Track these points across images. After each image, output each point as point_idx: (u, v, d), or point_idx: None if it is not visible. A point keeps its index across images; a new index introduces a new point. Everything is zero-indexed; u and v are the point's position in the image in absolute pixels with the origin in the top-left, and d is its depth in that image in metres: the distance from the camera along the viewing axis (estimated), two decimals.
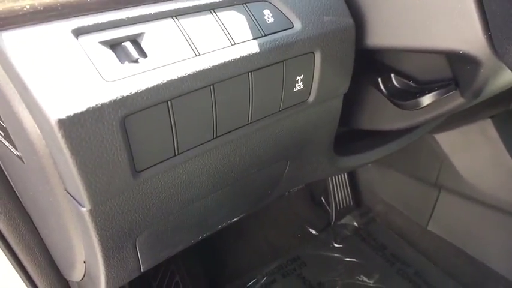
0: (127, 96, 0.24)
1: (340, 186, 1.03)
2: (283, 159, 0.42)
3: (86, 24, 0.25)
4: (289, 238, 1.02)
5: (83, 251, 0.36)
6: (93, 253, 0.33)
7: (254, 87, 0.31)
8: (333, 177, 1.02)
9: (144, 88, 0.25)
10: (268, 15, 0.31)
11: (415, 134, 0.52)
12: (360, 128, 0.46)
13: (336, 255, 0.98)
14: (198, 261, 0.91)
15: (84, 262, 0.38)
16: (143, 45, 0.27)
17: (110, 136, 0.24)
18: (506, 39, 0.27)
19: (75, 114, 0.23)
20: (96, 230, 0.29)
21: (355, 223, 1.03)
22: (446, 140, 0.80)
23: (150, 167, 0.28)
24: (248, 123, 0.33)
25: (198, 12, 0.29)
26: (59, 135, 0.23)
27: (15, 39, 0.24)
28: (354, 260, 0.96)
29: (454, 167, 0.80)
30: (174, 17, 0.28)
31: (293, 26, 0.32)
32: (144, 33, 0.27)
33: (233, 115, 0.31)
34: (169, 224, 0.36)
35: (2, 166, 0.40)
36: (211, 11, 0.30)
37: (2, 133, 0.32)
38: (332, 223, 1.04)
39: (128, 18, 0.27)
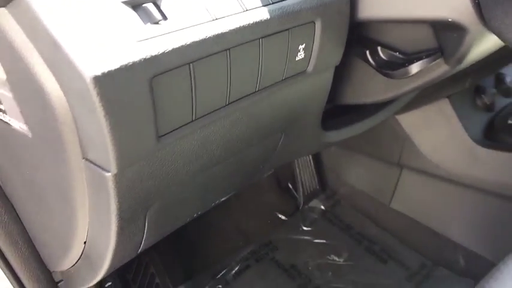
0: (155, 56, 0.24)
1: (306, 172, 1.06)
2: (279, 132, 0.43)
3: None
4: (259, 225, 1.04)
5: (86, 229, 0.35)
6: (104, 227, 0.32)
7: (264, 54, 0.32)
8: (299, 163, 1.05)
9: (170, 49, 0.25)
10: None
11: (396, 106, 0.55)
12: (345, 103, 0.49)
13: (305, 237, 1.01)
14: (172, 252, 0.90)
15: (85, 243, 0.37)
16: (162, 7, 0.26)
17: (140, 96, 0.24)
18: (493, 4, 0.31)
19: (109, 72, 0.22)
20: (117, 197, 0.28)
21: (322, 206, 1.07)
22: (407, 120, 0.85)
23: (171, 131, 0.28)
24: (255, 91, 0.33)
25: None
26: (94, 93, 0.22)
27: None
28: (324, 241, 1.00)
29: (415, 146, 0.86)
30: None
31: None
32: None
33: (244, 82, 0.32)
34: (177, 196, 0.36)
35: None
36: None
37: (1, 108, 0.30)
38: (300, 207, 1.07)
39: None
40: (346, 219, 1.05)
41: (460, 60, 0.37)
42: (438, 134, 0.82)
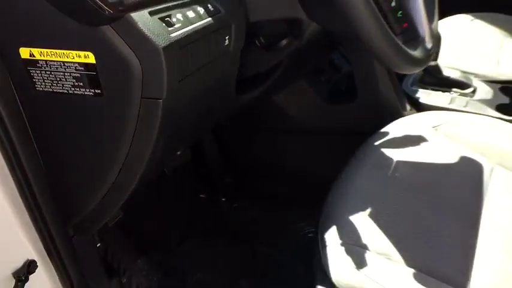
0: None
1: (214, 154, 1.36)
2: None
3: None
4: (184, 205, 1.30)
5: (125, 155, 0.59)
6: (146, 146, 0.57)
7: (211, 41, 0.62)
8: (208, 151, 1.35)
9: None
10: (211, 6, 0.62)
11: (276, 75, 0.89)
12: (245, 75, 0.81)
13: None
14: (125, 235, 1.10)
15: (120, 171, 0.60)
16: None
17: (177, 57, 0.52)
18: (310, 4, 0.66)
19: (165, 46, 0.50)
20: (161, 118, 0.54)
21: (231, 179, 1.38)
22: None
23: (180, 80, 0.56)
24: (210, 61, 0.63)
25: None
26: (162, 56, 0.49)
27: None
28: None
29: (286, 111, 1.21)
30: None
31: (221, 11, 0.64)
32: None
33: (203, 55, 0.61)
34: (181, 124, 0.63)
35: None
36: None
37: (77, 81, 0.54)
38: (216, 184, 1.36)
39: None
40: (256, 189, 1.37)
41: (302, 38, 0.73)
42: (301, 100, 1.20)
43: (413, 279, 0.63)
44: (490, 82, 1.18)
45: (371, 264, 0.65)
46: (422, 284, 0.62)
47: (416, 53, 0.63)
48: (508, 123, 0.98)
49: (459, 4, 1.52)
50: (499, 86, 1.17)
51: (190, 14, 0.58)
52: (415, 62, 0.63)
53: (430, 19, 0.68)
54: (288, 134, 1.25)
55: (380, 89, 1.11)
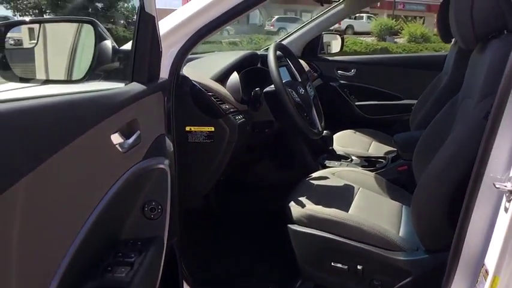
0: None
1: None
2: None
3: None
4: None
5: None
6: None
7: None
8: None
9: None
10: None
11: None
12: None
13: None
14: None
15: None
16: None
17: None
18: (277, 117, 1.80)
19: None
20: (230, 152, 1.61)
21: None
22: None
23: None
24: None
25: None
26: None
27: None
28: None
29: None
30: None
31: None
32: None
33: None
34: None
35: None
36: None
37: (205, 138, 1.60)
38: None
39: None
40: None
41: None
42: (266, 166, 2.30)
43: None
44: (359, 157, 2.38)
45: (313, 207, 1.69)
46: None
47: (315, 131, 1.80)
48: (367, 171, 2.14)
49: (347, 124, 2.82)
50: (364, 158, 2.37)
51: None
52: (314, 134, 1.79)
53: (320, 120, 1.87)
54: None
55: (307, 161, 2.26)
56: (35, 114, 0.62)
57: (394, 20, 18.98)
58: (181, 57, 1.29)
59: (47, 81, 1.09)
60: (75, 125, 0.72)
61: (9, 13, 19.82)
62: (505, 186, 0.95)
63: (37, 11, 19.76)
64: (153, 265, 0.95)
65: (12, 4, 19.83)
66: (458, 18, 1.27)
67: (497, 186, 0.96)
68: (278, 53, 1.79)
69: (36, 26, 1.23)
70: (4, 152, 0.56)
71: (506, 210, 0.96)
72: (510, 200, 0.94)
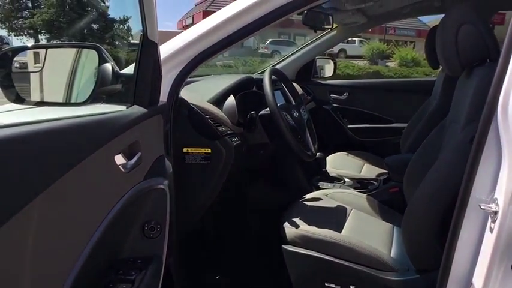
0: None
1: None
2: None
3: None
4: None
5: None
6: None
7: None
8: None
9: None
10: None
11: None
12: None
13: None
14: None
15: None
16: None
17: None
18: (272, 138, 1.85)
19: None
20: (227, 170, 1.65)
21: None
22: None
23: None
24: None
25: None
26: None
27: None
28: None
29: None
30: None
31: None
32: None
33: None
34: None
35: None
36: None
37: (202, 159, 1.64)
38: None
39: None
40: None
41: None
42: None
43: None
44: (351, 178, 2.43)
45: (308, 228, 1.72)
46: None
47: (309, 153, 1.85)
48: (359, 193, 2.18)
49: (340, 147, 2.88)
50: (356, 180, 2.42)
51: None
52: (308, 156, 1.83)
53: (313, 142, 1.92)
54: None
55: (301, 182, 2.31)
56: (48, 136, 0.67)
57: (386, 44, 19.36)
58: (180, 81, 1.35)
59: (53, 104, 1.13)
60: (84, 147, 0.76)
61: (3, 33, 19.94)
62: (490, 208, 1.00)
63: (32, 31, 19.88)
64: (152, 283, 0.97)
65: (7, 24, 19.96)
66: (444, 48, 1.35)
67: (482, 207, 1.01)
68: (273, 77, 1.85)
69: (42, 51, 1.28)
70: (22, 173, 0.60)
71: (491, 230, 1.01)
72: (495, 221, 0.99)
